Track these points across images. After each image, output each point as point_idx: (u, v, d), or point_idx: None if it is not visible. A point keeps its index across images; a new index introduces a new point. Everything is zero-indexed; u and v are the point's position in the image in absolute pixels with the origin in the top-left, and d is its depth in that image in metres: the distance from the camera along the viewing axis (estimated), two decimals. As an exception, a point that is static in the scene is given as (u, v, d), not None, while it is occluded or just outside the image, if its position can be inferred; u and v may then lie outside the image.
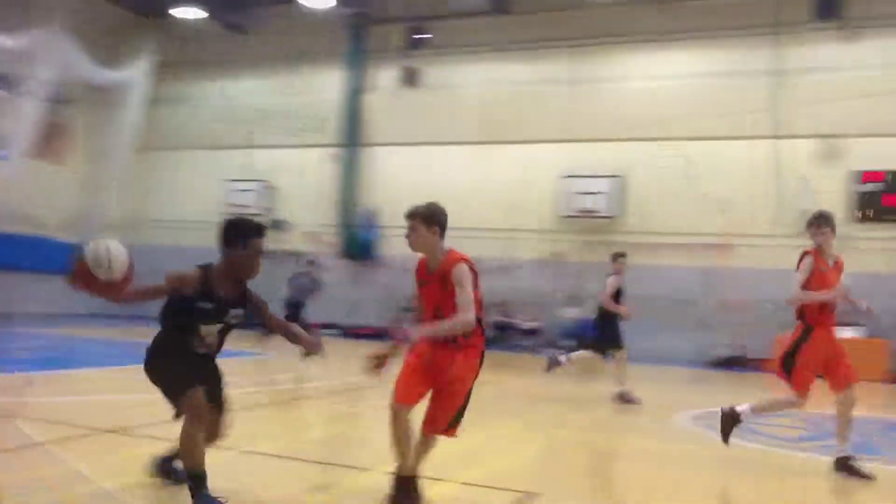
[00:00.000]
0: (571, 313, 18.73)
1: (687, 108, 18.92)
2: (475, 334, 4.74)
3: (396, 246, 20.92)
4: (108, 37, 22.64)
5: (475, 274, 4.77)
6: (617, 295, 10.80)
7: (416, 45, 21.65)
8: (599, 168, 19.17)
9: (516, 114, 20.34)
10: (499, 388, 12.27)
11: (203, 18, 22.34)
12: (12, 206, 20.34)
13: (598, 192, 19.04)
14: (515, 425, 8.42)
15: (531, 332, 19.23)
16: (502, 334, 19.35)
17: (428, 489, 5.37)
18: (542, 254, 19.64)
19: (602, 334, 11.09)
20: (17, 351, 13.06)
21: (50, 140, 21.99)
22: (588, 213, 19.10)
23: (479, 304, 4.72)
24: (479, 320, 4.69)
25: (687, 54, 19.53)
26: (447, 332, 4.63)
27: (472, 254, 18.16)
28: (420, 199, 18.04)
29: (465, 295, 4.62)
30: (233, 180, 22.64)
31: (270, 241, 19.29)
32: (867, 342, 16.00)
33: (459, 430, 4.88)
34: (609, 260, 11.36)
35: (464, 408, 4.81)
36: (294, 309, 13.81)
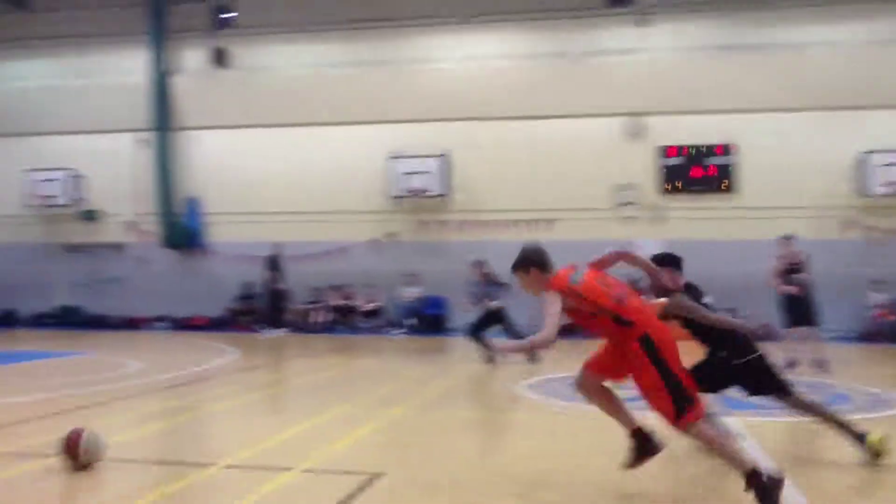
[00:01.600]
0: (411, 292, 18.93)
1: (501, 88, 19.44)
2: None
3: (224, 233, 20.22)
4: None
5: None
6: None
7: (223, 24, 20.63)
8: (424, 148, 19.30)
9: (337, 95, 19.99)
10: (342, 370, 12.12)
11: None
12: None
13: (426, 172, 19.15)
14: (355, 406, 8.31)
15: (371, 313, 19.20)
16: (343, 317, 19.23)
17: (268, 481, 5.18)
18: (376, 235, 19.60)
19: None
20: None
21: None
22: (417, 193, 19.19)
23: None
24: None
25: (496, 36, 19.92)
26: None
27: (300, 238, 17.96)
28: (248, 185, 17.65)
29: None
30: (32, 170, 20.74)
31: (84, 234, 18.27)
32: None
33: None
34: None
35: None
36: None
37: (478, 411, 8.45)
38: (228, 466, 5.54)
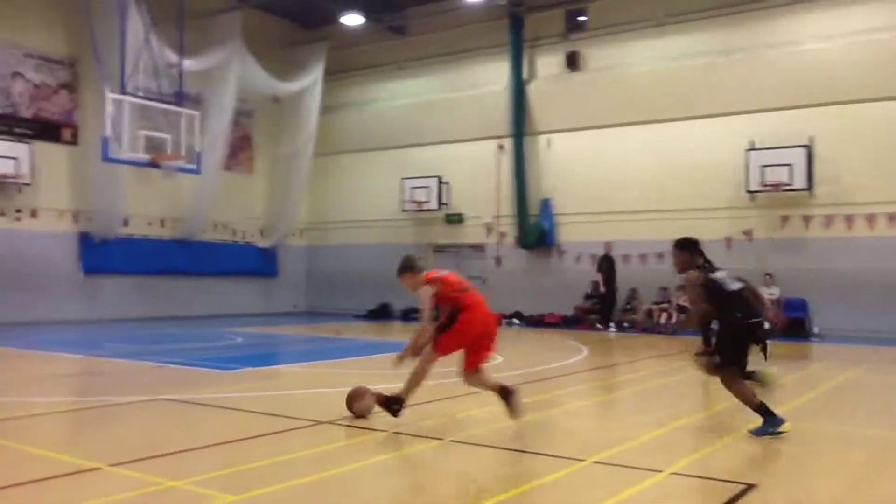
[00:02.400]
0: (768, 293, 17.74)
1: (873, 66, 17.36)
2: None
3: (572, 233, 20.75)
4: (279, 50, 24.03)
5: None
6: None
7: (576, 27, 21.29)
8: (786, 138, 17.93)
9: (688, 89, 19.45)
10: (695, 373, 11.78)
11: (364, 24, 22.93)
12: (210, 215, 22.11)
13: (787, 164, 17.78)
14: (716, 411, 8.01)
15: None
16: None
17: (637, 481, 5.20)
18: (729, 232, 18.68)
19: None
20: (223, 349, 14.07)
21: (237, 152, 23.65)
22: (776, 186, 17.88)
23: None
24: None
25: (864, 10, 17.78)
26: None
27: (653, 237, 17.78)
28: (595, 185, 17.93)
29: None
30: (407, 178, 23.22)
31: (449, 236, 20.06)
32: None
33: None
34: None
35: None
36: None
37: (856, 426, 7.65)
38: (596, 462, 5.67)
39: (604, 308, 19.51)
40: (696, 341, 12.14)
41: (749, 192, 18.33)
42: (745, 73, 18.78)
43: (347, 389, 7.22)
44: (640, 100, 19.94)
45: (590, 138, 20.84)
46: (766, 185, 17.99)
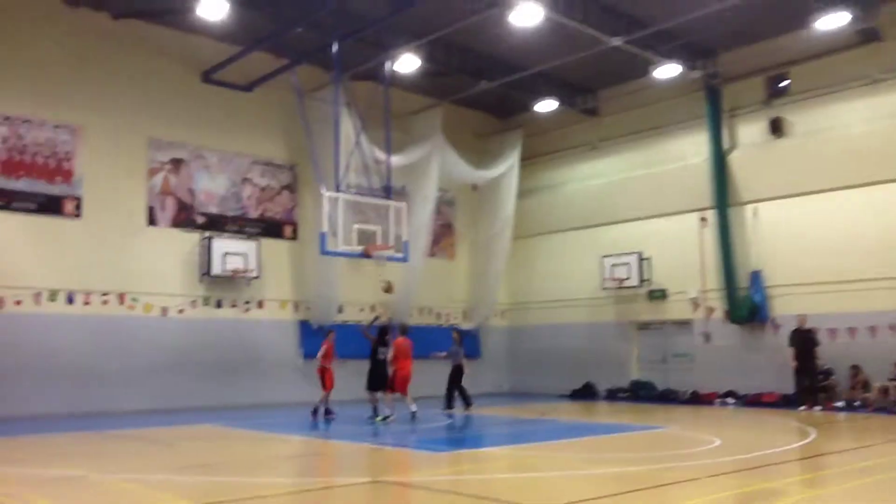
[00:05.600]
0: None
1: None
2: None
3: (787, 306, 19.47)
4: (476, 140, 25.20)
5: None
6: None
7: (778, 93, 20.43)
8: None
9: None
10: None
11: (557, 109, 23.36)
12: (415, 300, 23.04)
13: None
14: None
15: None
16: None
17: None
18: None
19: None
20: (433, 431, 14.39)
21: (440, 238, 24.64)
22: None
23: None
24: None
25: None
26: None
27: (882, 307, 16.40)
28: (809, 253, 16.97)
29: None
30: (606, 255, 23.03)
31: (652, 312, 19.62)
32: None
33: None
34: None
35: None
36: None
37: None
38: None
39: (798, 386, 17.96)
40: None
41: None
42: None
43: (558, 473, 7.15)
44: (856, 162, 18.64)
45: (800, 205, 19.67)
46: None
